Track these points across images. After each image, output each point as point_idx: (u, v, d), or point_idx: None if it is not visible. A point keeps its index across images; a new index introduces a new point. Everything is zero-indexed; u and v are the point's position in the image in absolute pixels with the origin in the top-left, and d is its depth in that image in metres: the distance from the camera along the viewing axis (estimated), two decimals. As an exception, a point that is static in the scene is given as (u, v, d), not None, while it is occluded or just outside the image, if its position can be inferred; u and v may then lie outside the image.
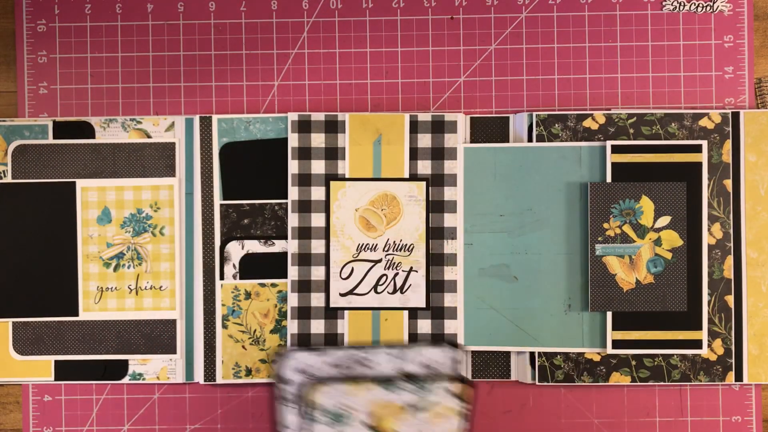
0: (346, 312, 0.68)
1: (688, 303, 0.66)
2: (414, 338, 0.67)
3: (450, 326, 0.67)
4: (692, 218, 0.66)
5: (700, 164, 0.66)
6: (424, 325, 0.68)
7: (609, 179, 0.66)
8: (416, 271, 0.68)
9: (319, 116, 0.68)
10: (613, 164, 0.66)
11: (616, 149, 0.66)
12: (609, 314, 0.67)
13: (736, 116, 0.67)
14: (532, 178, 0.67)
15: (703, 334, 0.67)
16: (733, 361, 0.67)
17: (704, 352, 0.67)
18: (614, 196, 0.66)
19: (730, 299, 0.67)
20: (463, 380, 0.64)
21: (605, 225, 0.66)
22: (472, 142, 0.68)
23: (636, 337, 0.67)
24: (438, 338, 0.67)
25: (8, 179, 0.68)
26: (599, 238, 0.66)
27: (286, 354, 0.63)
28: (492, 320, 0.68)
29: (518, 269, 0.68)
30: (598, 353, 0.67)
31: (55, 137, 0.69)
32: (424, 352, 0.64)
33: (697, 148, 0.66)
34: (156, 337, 0.68)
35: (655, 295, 0.66)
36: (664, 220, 0.66)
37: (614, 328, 0.67)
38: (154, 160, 0.69)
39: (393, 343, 0.65)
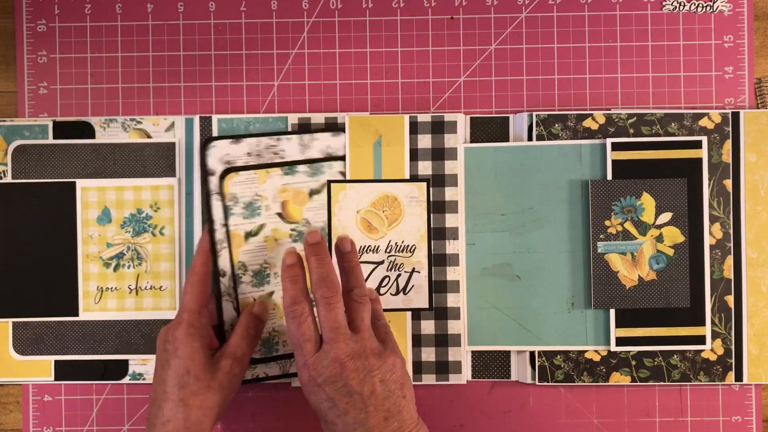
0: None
1: (690, 299, 0.67)
2: (418, 340, 0.67)
3: (453, 326, 0.67)
4: (693, 214, 0.67)
5: (700, 160, 0.67)
6: (428, 326, 0.67)
7: (610, 177, 0.66)
8: (419, 272, 0.67)
9: (318, 118, 0.68)
10: (614, 161, 0.66)
11: (616, 147, 0.67)
12: (612, 312, 0.67)
13: (736, 116, 0.67)
14: (532, 176, 0.67)
15: (707, 330, 0.67)
16: (733, 361, 0.67)
17: (708, 347, 0.67)
18: (615, 194, 0.66)
19: (730, 299, 0.67)
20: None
21: (607, 222, 0.66)
22: (472, 142, 0.69)
23: (640, 334, 0.67)
24: (443, 338, 0.67)
25: (8, 179, 0.68)
26: (601, 236, 0.66)
27: (210, 143, 0.64)
28: (495, 320, 0.68)
29: (520, 268, 0.68)
30: (599, 353, 0.67)
31: (55, 137, 0.68)
32: (320, 137, 0.66)
33: (697, 144, 0.66)
34: (156, 337, 0.68)
35: (658, 291, 0.66)
36: (666, 217, 0.66)
37: (618, 326, 0.67)
38: (154, 160, 0.68)
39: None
